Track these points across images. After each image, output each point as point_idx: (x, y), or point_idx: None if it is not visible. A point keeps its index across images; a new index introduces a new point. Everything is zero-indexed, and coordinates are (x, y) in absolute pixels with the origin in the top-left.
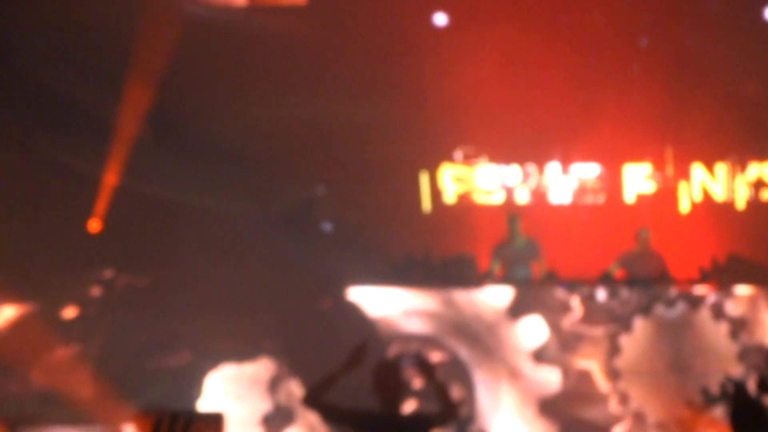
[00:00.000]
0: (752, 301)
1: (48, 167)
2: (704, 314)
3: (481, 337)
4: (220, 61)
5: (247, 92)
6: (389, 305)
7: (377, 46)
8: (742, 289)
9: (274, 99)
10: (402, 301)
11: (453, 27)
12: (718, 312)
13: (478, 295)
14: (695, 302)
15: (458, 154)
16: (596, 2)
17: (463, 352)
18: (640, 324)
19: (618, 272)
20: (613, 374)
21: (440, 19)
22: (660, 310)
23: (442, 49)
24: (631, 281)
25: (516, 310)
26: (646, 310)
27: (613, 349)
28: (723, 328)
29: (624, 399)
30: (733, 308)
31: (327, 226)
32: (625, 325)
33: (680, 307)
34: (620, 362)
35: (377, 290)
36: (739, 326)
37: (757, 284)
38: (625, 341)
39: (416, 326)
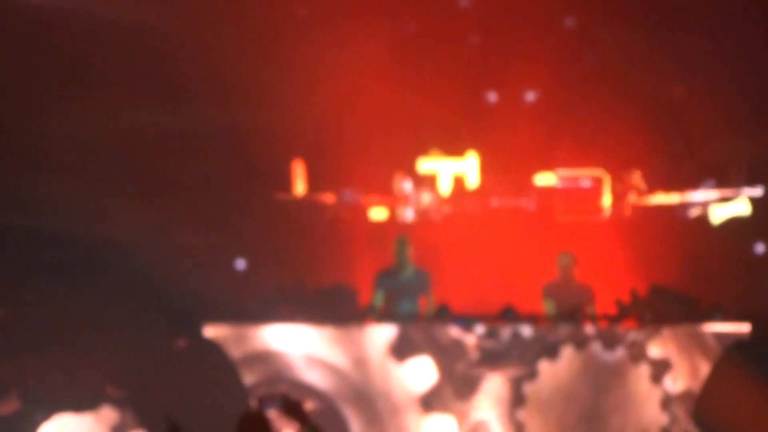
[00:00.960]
0: (678, 340)
1: None
2: (622, 355)
3: (360, 381)
4: (51, 56)
5: (85, 93)
6: (253, 344)
7: (239, 43)
8: (674, 330)
9: (115, 101)
10: (268, 339)
11: (318, 27)
12: (638, 353)
13: (358, 332)
14: (612, 342)
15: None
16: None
17: (340, 399)
18: (546, 368)
19: (547, 307)
20: (516, 427)
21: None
22: (568, 351)
23: (310, 47)
24: (534, 318)
25: (401, 350)
26: (552, 352)
27: (516, 398)
28: (643, 373)
29: None
30: (656, 349)
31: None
32: (530, 370)
33: (593, 348)
34: (523, 414)
35: (240, 328)
36: (661, 370)
37: (684, 320)
38: (530, 388)
39: (284, 368)
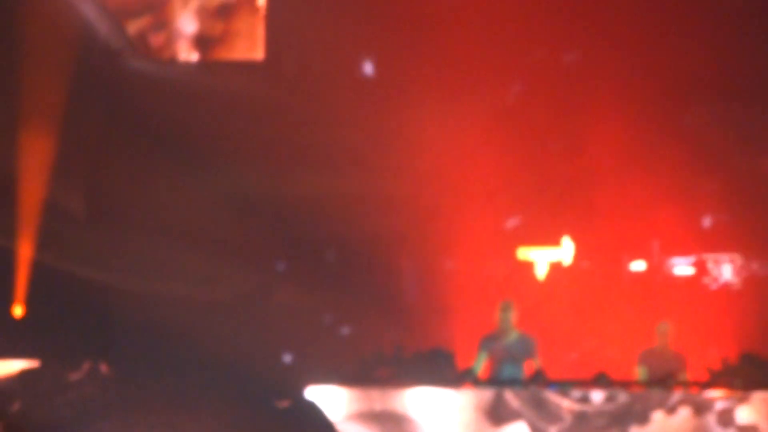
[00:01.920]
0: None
1: None
2: (710, 421)
3: None
4: (165, 123)
5: (197, 159)
6: (354, 406)
7: (339, 110)
8: (758, 394)
9: (226, 167)
10: (369, 401)
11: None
12: (727, 419)
13: (456, 395)
14: (702, 408)
15: None
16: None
17: None
18: (642, 424)
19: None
20: None
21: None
22: (659, 416)
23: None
24: (626, 383)
25: (498, 414)
26: (642, 417)
27: None
28: None
29: None
30: (744, 414)
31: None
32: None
33: (682, 414)
34: None
35: (341, 390)
36: None
37: None
38: None
39: (383, 430)
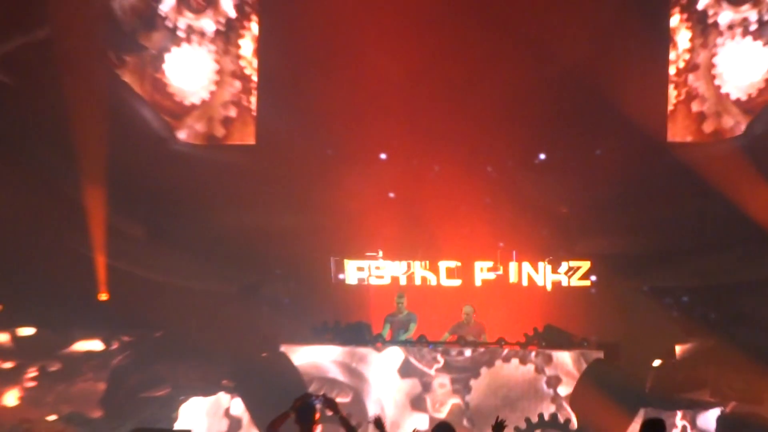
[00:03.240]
0: (561, 359)
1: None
2: (532, 369)
3: (371, 381)
4: (193, 183)
5: (213, 206)
6: (308, 357)
7: (305, 175)
8: (556, 352)
9: (233, 212)
10: (318, 355)
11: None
12: (540, 368)
13: (370, 351)
14: (524, 359)
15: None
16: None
17: (361, 393)
18: (484, 371)
19: (450, 337)
20: (465, 405)
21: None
22: (498, 363)
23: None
24: (463, 342)
25: (396, 361)
26: (489, 363)
27: (466, 389)
28: (542, 380)
29: (471, 421)
30: (550, 365)
31: (282, 300)
32: (474, 373)
33: (513, 363)
34: (470, 397)
35: (301, 347)
36: (553, 377)
37: (566, 347)
38: (474, 383)
39: (328, 373)
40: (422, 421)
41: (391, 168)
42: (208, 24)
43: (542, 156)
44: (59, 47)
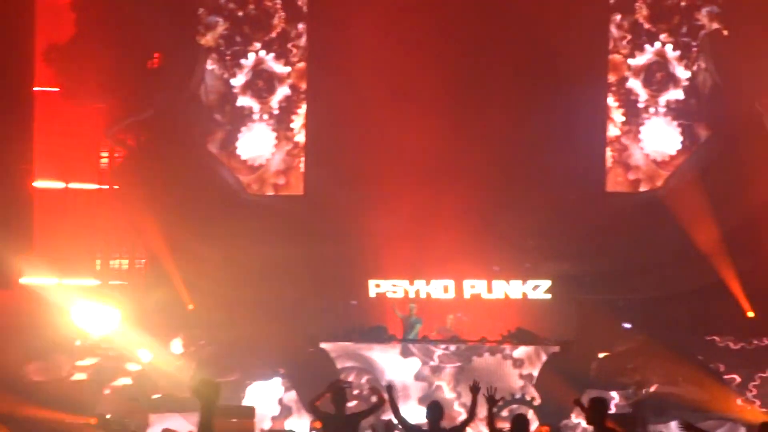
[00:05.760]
0: (529, 353)
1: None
2: (507, 360)
3: (385, 367)
4: (258, 222)
5: (272, 240)
6: (340, 351)
7: (341, 216)
8: (525, 347)
9: (286, 243)
10: (347, 349)
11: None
12: (513, 360)
13: (388, 347)
14: (499, 352)
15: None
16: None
17: (380, 377)
18: (472, 361)
19: (436, 335)
20: (456, 384)
21: None
22: (481, 356)
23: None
24: (456, 340)
25: (406, 354)
26: (475, 356)
27: (456, 374)
28: (514, 368)
29: (458, 396)
30: (520, 357)
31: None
32: (465, 363)
33: (493, 355)
34: (460, 380)
35: (335, 344)
36: (522, 366)
37: (532, 344)
38: (463, 370)
39: (353, 363)
40: (423, 392)
41: (408, 211)
42: (267, 108)
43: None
44: (160, 124)
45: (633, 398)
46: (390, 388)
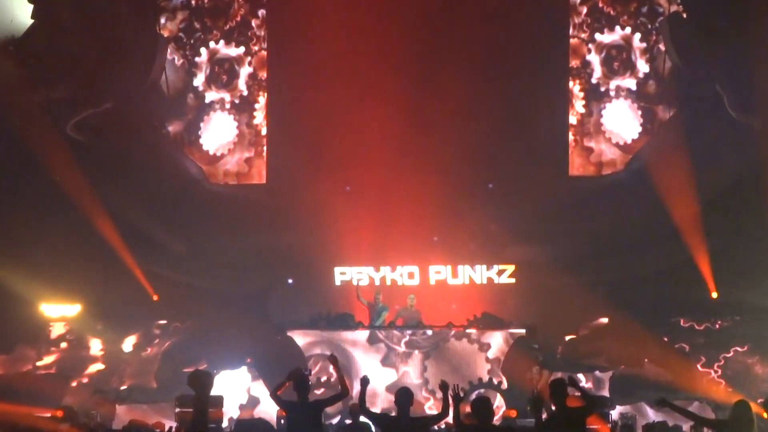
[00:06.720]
0: (495, 337)
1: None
2: (473, 345)
3: (353, 354)
4: (221, 211)
5: (235, 229)
6: (307, 338)
7: (305, 204)
8: (491, 332)
9: (250, 233)
10: (314, 336)
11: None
12: (480, 344)
13: (356, 333)
14: (465, 337)
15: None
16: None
17: (348, 364)
18: (439, 347)
19: (398, 321)
20: (423, 370)
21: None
22: (448, 341)
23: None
24: (422, 326)
25: (372, 341)
26: (442, 341)
27: (424, 360)
28: (481, 352)
29: (425, 382)
30: (486, 341)
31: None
32: (432, 348)
33: (455, 339)
34: (427, 365)
35: (302, 332)
36: (488, 351)
37: (498, 328)
38: (430, 356)
39: (320, 350)
40: (391, 379)
41: (372, 199)
42: (228, 97)
43: (490, 185)
44: (119, 115)
45: (599, 379)
46: (364, 381)
